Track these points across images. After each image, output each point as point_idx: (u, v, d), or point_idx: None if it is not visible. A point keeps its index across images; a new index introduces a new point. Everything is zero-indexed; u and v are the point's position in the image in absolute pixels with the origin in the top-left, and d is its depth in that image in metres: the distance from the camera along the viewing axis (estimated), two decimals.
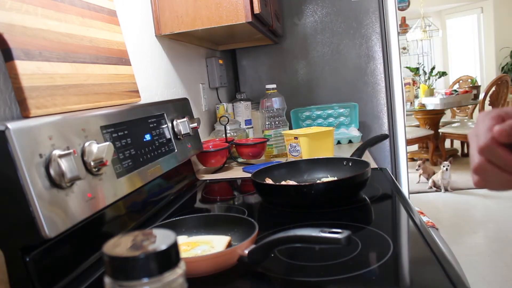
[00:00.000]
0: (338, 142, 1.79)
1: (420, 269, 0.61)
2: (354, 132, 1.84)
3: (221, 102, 1.90)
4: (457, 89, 4.89)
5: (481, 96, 4.50)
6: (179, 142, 1.13)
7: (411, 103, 4.98)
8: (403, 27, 7.00)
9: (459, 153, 5.24)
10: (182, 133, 1.13)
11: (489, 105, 4.50)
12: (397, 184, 1.08)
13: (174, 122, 1.12)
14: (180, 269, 0.34)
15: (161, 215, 0.99)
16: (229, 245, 0.72)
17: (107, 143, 0.72)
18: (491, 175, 0.45)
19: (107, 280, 0.33)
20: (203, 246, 0.71)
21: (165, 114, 1.09)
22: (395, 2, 1.98)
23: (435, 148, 4.77)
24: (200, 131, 1.33)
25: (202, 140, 1.35)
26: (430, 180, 4.04)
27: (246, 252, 0.64)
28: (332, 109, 1.94)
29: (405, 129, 2.09)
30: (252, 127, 1.90)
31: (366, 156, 1.41)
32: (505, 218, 3.18)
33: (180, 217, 0.81)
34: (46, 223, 0.59)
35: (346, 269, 0.62)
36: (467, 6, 7.13)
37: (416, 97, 5.20)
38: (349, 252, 0.68)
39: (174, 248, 0.33)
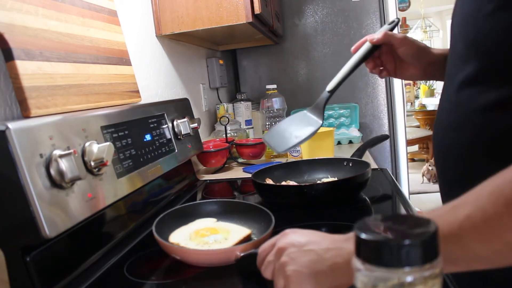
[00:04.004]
0: (339, 143, 1.79)
1: None
2: (354, 132, 1.84)
3: (221, 102, 1.90)
4: None
5: None
6: (180, 142, 1.13)
7: (411, 103, 4.98)
8: (404, 27, 7.00)
9: None
10: (183, 133, 1.13)
11: None
12: (398, 184, 1.08)
13: (175, 122, 1.12)
14: (438, 265, 0.30)
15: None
16: (246, 238, 0.73)
17: (108, 143, 0.72)
18: None
19: (358, 264, 0.31)
20: (218, 236, 0.73)
21: (165, 114, 1.09)
22: (395, 2, 1.98)
23: None
24: (200, 131, 1.33)
25: (202, 140, 1.35)
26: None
27: (240, 254, 0.64)
28: (333, 109, 1.94)
29: (406, 129, 2.09)
30: (252, 128, 1.90)
31: (367, 157, 1.41)
32: None
33: (213, 199, 0.85)
34: (46, 223, 0.59)
35: None
36: None
37: (417, 97, 5.21)
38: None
39: (436, 239, 0.30)
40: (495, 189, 0.37)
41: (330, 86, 0.84)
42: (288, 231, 0.54)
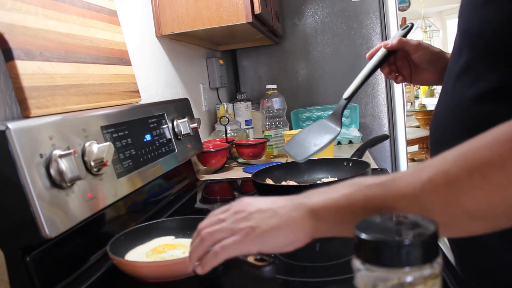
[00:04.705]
0: (339, 143, 1.79)
1: None
2: (354, 132, 1.84)
3: (221, 102, 1.90)
4: None
5: None
6: (180, 142, 1.13)
7: (411, 103, 4.98)
8: None
9: None
10: (183, 133, 1.13)
11: None
12: None
13: (175, 122, 1.12)
14: (438, 265, 0.31)
15: (161, 215, 0.99)
16: None
17: (108, 143, 0.72)
18: None
19: (358, 264, 0.31)
20: (176, 251, 0.71)
21: (165, 114, 1.09)
22: (395, 2, 1.98)
23: None
24: (200, 131, 1.33)
25: (202, 140, 1.35)
26: None
27: (197, 263, 0.62)
28: (333, 110, 1.94)
29: (406, 129, 2.09)
30: (252, 128, 1.90)
31: (367, 157, 1.41)
32: None
33: (171, 218, 0.82)
34: (46, 223, 0.59)
35: (346, 269, 0.62)
36: None
37: (417, 97, 5.21)
38: (350, 252, 0.68)
39: (436, 239, 0.30)
40: (460, 155, 0.37)
41: (346, 93, 0.85)
42: (243, 198, 0.53)
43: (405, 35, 0.86)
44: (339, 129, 0.84)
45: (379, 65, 0.84)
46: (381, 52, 0.84)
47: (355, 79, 0.85)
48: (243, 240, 0.46)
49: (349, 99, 0.85)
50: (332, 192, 0.44)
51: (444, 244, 0.80)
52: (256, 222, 0.47)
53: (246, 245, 0.46)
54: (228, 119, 1.53)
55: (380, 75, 2.04)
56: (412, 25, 0.90)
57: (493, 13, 0.53)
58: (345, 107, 0.86)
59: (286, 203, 0.47)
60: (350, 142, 1.80)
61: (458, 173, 0.36)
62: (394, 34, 0.88)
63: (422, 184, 0.38)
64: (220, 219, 0.51)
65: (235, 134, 1.64)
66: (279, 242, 0.46)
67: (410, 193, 0.38)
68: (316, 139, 0.85)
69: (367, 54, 0.87)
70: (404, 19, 7.07)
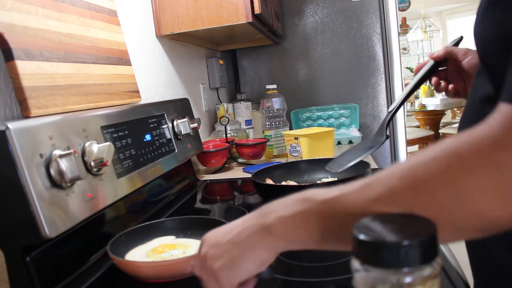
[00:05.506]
0: (339, 143, 1.79)
1: None
2: (354, 132, 1.84)
3: (221, 102, 1.90)
4: None
5: None
6: (180, 142, 1.13)
7: (411, 103, 4.97)
8: (404, 27, 7.00)
9: None
10: (183, 133, 1.13)
11: None
12: None
13: (175, 122, 1.13)
14: (437, 265, 0.30)
15: (161, 215, 0.99)
16: None
17: (108, 143, 0.72)
18: None
19: (356, 264, 0.31)
20: (176, 251, 0.71)
21: (165, 114, 1.09)
22: (395, 2, 1.98)
23: None
24: (200, 131, 1.33)
25: (202, 140, 1.35)
26: None
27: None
28: (333, 110, 1.94)
29: (406, 129, 2.09)
30: (252, 128, 1.90)
31: (367, 157, 1.41)
32: None
33: (172, 218, 0.82)
34: (46, 223, 0.59)
35: (346, 269, 0.62)
36: (468, 7, 7.13)
37: (417, 97, 5.20)
38: (349, 252, 0.68)
39: (435, 239, 0.30)
40: (406, 169, 0.36)
41: (391, 107, 0.86)
42: (204, 237, 0.53)
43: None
44: (382, 139, 0.85)
45: (425, 77, 0.84)
46: (429, 64, 0.84)
47: (401, 93, 0.86)
48: (218, 281, 0.47)
49: (392, 111, 0.85)
50: (285, 209, 0.44)
51: (445, 248, 0.80)
52: (221, 261, 0.47)
53: (222, 282, 0.47)
54: (228, 119, 1.53)
55: (380, 75, 2.04)
56: (462, 37, 0.89)
57: (494, 18, 0.53)
58: (390, 118, 0.86)
59: (243, 226, 0.47)
60: (350, 142, 1.80)
61: (404, 190, 0.35)
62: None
63: (370, 203, 0.37)
64: (200, 274, 0.52)
65: (235, 134, 1.64)
66: (251, 267, 0.46)
67: (359, 213, 0.37)
68: (358, 152, 0.89)
69: (415, 68, 0.88)
70: (404, 19, 7.08)
